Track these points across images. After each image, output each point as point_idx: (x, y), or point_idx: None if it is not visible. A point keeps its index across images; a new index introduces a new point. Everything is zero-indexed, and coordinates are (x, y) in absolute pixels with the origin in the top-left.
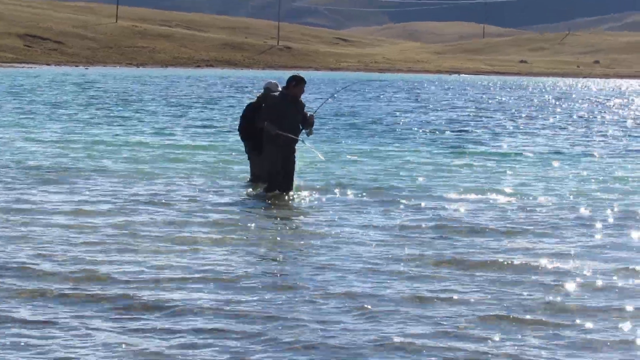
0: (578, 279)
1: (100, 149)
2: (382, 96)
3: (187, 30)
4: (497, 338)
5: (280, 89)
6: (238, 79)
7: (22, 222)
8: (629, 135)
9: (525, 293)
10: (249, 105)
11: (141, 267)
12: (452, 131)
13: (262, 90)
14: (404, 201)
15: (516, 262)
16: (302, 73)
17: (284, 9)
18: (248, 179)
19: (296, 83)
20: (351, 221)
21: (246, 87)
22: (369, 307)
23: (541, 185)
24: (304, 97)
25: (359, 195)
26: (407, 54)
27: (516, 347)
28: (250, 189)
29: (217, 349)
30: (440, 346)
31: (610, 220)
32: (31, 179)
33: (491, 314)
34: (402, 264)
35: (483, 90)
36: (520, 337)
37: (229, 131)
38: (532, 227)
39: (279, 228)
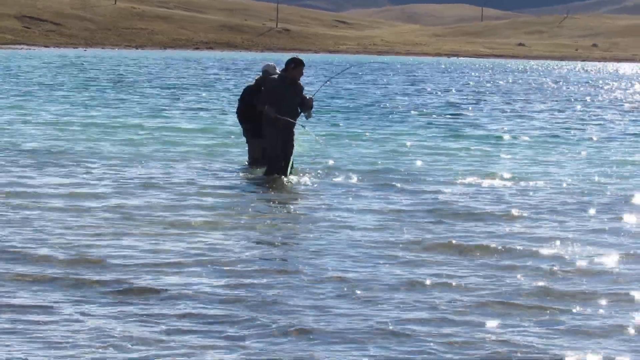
0: (576, 264)
1: (97, 131)
2: (379, 79)
3: (186, 12)
4: (494, 324)
5: (278, 71)
6: (234, 61)
7: (18, 205)
8: (627, 119)
9: (522, 278)
10: (247, 88)
11: (137, 251)
12: (450, 114)
13: (260, 73)
14: (401, 185)
15: (514, 246)
16: (300, 55)
17: None
18: (246, 162)
19: (295, 65)
20: (348, 205)
21: (245, 70)
22: (365, 292)
23: (539, 169)
24: (302, 80)
25: (357, 179)
26: (406, 36)
27: (513, 333)
28: (248, 173)
29: (212, 334)
30: (436, 332)
31: (609, 204)
32: (27, 161)
33: (488, 299)
34: (399, 248)
35: (481, 73)
36: (517, 322)
37: (225, 113)
38: (529, 212)
39: (276, 212)
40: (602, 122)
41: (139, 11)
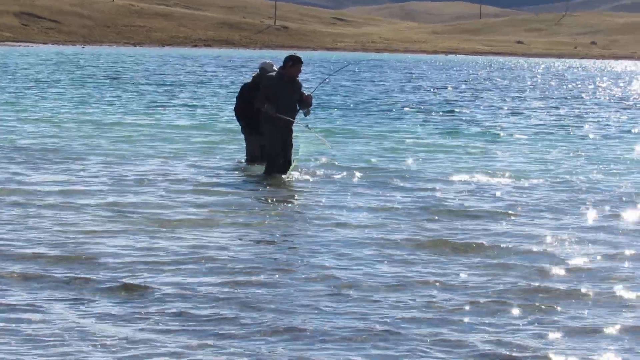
0: (571, 263)
1: (92, 128)
2: (377, 76)
3: (185, 9)
4: (488, 322)
5: (275, 68)
6: (231, 59)
7: (12, 202)
8: (625, 117)
9: (517, 277)
10: (245, 85)
11: (131, 249)
12: (447, 111)
13: (257, 70)
14: (397, 183)
15: (509, 245)
16: (299, 53)
17: None
18: (244, 160)
19: (293, 63)
20: (344, 203)
21: (242, 67)
22: (359, 291)
23: (535, 166)
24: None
25: (353, 176)
26: (404, 34)
27: (506, 332)
28: (246, 170)
29: (204, 333)
30: (430, 331)
31: (605, 202)
32: (22, 158)
33: (483, 298)
34: (394, 247)
35: (478, 70)
36: (511, 321)
37: (222, 110)
38: (525, 209)
39: (271, 210)
40: (599, 120)
41: (138, 8)
